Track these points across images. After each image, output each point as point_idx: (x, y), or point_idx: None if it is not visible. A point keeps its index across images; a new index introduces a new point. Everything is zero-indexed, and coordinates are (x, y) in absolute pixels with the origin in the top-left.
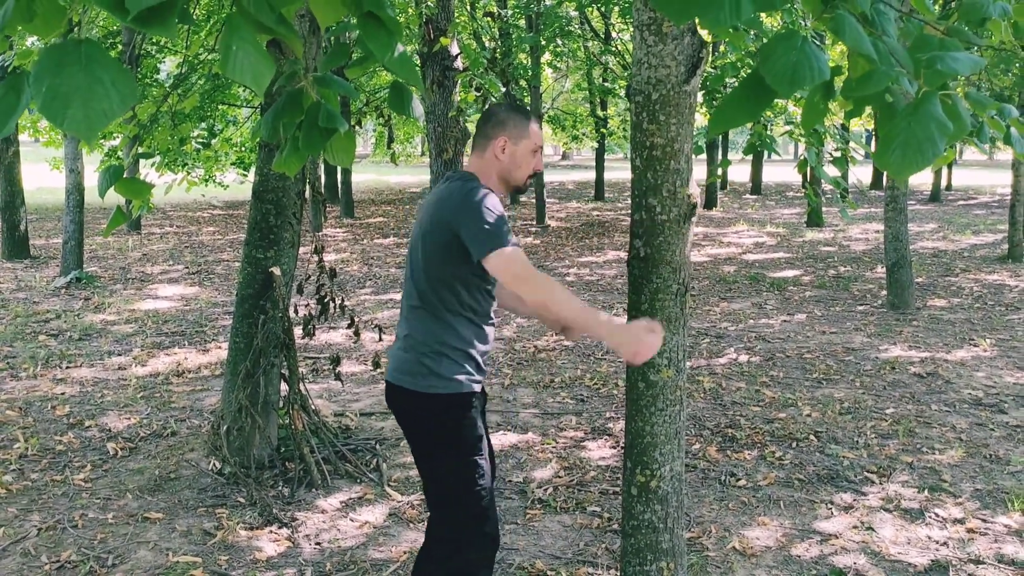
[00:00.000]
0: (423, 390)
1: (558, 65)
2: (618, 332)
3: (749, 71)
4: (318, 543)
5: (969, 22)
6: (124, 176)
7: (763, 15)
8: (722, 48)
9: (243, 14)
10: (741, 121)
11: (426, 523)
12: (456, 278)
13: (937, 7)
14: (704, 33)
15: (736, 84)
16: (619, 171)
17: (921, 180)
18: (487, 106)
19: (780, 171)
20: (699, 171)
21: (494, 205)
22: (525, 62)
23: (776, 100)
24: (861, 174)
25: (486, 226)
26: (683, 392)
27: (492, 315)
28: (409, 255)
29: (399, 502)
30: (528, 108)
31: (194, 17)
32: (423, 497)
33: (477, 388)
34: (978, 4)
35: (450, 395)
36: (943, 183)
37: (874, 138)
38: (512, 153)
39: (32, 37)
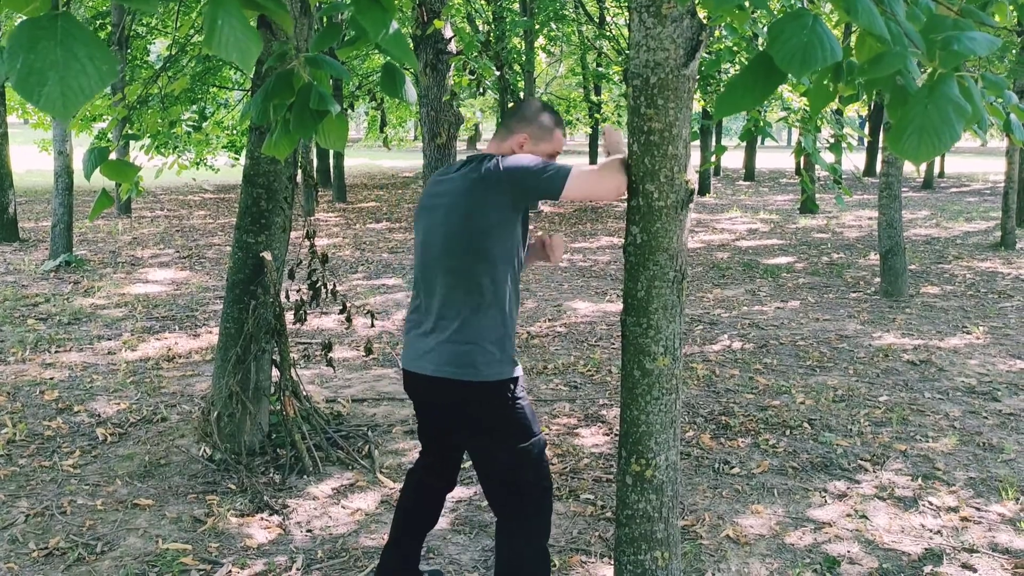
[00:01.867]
0: (492, 378)
1: (552, 50)
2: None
3: (746, 56)
4: (309, 530)
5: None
6: (111, 158)
7: None
8: (717, 33)
9: None
10: (748, 105)
11: (491, 511)
12: (513, 255)
13: None
14: (702, 15)
15: (739, 68)
16: None
17: (914, 167)
18: (521, 97)
19: (773, 157)
20: (693, 157)
21: (531, 157)
22: (519, 46)
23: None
24: (855, 160)
25: (540, 170)
26: (679, 380)
27: (517, 291)
28: (436, 241)
29: (391, 489)
30: (558, 113)
31: None
32: None
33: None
34: None
35: (515, 378)
36: (936, 170)
37: (867, 124)
38: (530, 152)
39: (20, 16)
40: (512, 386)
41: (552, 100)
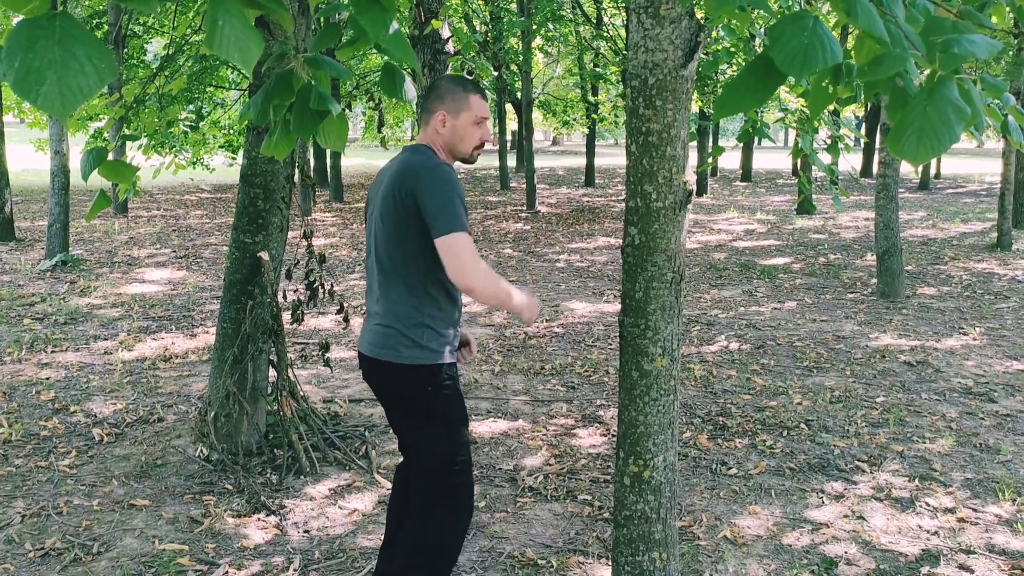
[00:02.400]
0: (407, 362)
1: (549, 50)
2: (523, 299)
3: (744, 57)
4: (306, 531)
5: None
6: (109, 158)
7: None
8: (715, 34)
9: None
10: (749, 106)
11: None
12: (431, 249)
13: None
14: (700, 16)
15: (736, 69)
16: (609, 157)
17: (910, 168)
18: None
19: (770, 158)
20: (691, 158)
21: (454, 183)
22: (516, 47)
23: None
24: (852, 161)
25: (446, 205)
26: (677, 381)
27: (452, 287)
28: (373, 230)
29: (388, 489)
30: (472, 79)
31: None
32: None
33: (453, 359)
34: None
35: (433, 366)
36: (932, 171)
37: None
38: (452, 127)
39: (19, 16)
40: (430, 374)
41: (549, 100)
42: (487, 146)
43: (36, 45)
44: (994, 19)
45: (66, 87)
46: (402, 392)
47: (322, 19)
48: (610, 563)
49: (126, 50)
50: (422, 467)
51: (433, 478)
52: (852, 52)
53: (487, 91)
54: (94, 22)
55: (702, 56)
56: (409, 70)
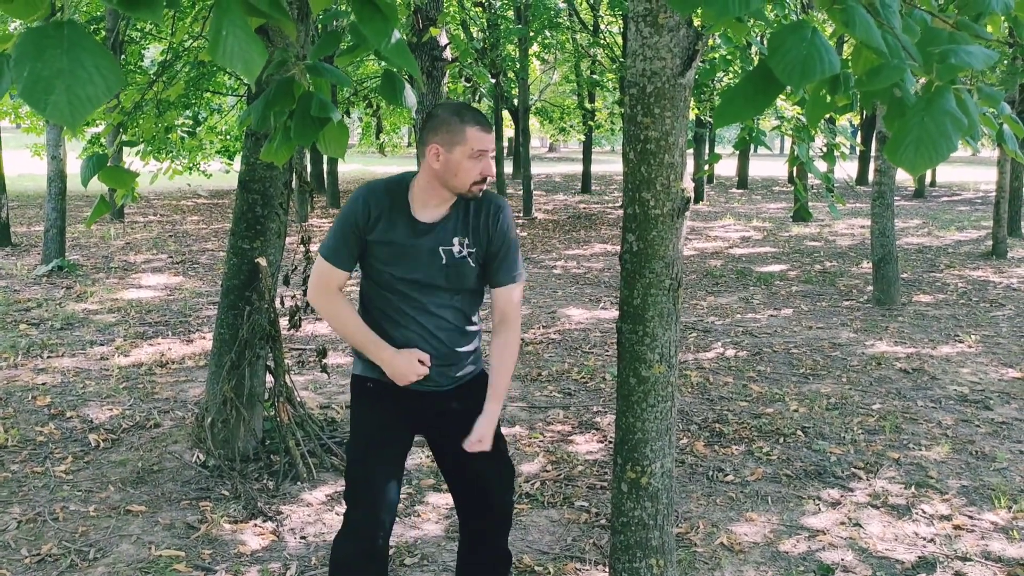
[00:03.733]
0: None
1: (546, 57)
2: (389, 360)
3: (740, 65)
4: (303, 537)
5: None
6: (108, 164)
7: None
8: (711, 42)
9: None
10: (748, 115)
11: None
12: (378, 273)
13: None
14: (698, 24)
15: (732, 76)
16: (606, 164)
17: (907, 176)
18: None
19: (766, 165)
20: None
21: (344, 209)
22: (513, 53)
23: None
24: (847, 169)
25: (330, 231)
26: (674, 388)
27: (397, 314)
28: None
29: None
30: (472, 108)
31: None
32: (409, 492)
33: (374, 375)
34: None
35: (358, 377)
36: (928, 179)
37: (859, 133)
38: (446, 161)
39: (15, 22)
40: (356, 385)
41: (546, 107)
42: (488, 180)
43: (44, 54)
44: (989, 29)
45: (75, 96)
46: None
47: (320, 26)
48: (607, 570)
49: (124, 56)
50: (500, 482)
51: (509, 493)
52: (849, 62)
53: (485, 98)
54: (91, 28)
55: (699, 64)
56: (408, 76)
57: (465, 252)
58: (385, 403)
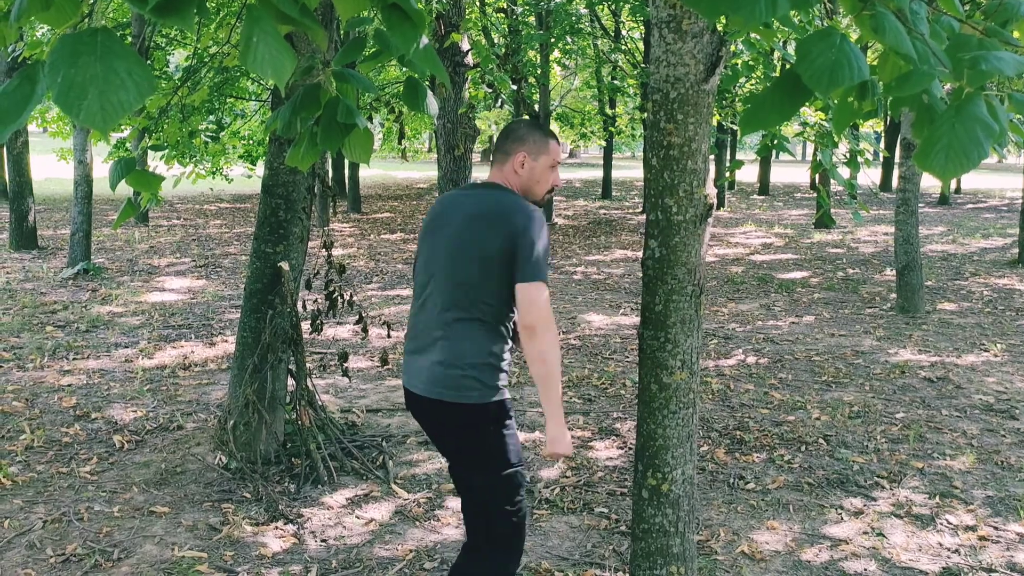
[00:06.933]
0: (474, 402)
1: (567, 63)
2: (559, 427)
3: (763, 71)
4: (324, 540)
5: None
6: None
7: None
8: (733, 48)
9: (265, 4)
10: (775, 122)
11: (465, 532)
12: (510, 288)
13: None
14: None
15: (755, 82)
16: (627, 169)
17: (931, 183)
18: (508, 121)
19: (788, 172)
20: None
21: (546, 233)
22: (534, 59)
23: None
24: (871, 176)
25: (543, 255)
26: (696, 395)
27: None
28: (444, 256)
29: (405, 500)
30: (548, 127)
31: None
32: (430, 496)
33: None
34: (1008, 4)
35: (499, 402)
36: (953, 186)
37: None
38: (531, 168)
39: (43, 28)
40: (496, 410)
41: (567, 113)
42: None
43: (78, 61)
44: (1016, 34)
45: (107, 102)
46: (464, 430)
47: (343, 32)
48: None
49: (150, 62)
50: (483, 508)
51: (494, 520)
52: (876, 68)
53: (507, 103)
54: (117, 34)
55: (722, 70)
56: (428, 82)
57: None
58: None
